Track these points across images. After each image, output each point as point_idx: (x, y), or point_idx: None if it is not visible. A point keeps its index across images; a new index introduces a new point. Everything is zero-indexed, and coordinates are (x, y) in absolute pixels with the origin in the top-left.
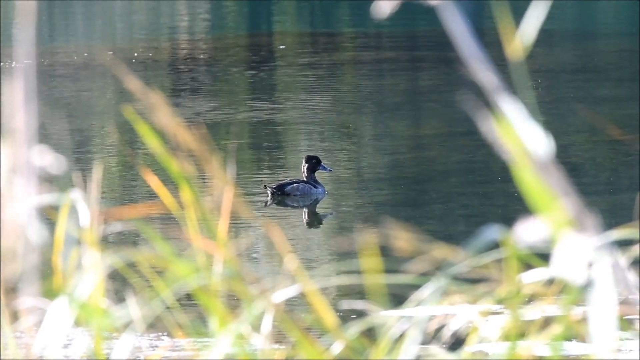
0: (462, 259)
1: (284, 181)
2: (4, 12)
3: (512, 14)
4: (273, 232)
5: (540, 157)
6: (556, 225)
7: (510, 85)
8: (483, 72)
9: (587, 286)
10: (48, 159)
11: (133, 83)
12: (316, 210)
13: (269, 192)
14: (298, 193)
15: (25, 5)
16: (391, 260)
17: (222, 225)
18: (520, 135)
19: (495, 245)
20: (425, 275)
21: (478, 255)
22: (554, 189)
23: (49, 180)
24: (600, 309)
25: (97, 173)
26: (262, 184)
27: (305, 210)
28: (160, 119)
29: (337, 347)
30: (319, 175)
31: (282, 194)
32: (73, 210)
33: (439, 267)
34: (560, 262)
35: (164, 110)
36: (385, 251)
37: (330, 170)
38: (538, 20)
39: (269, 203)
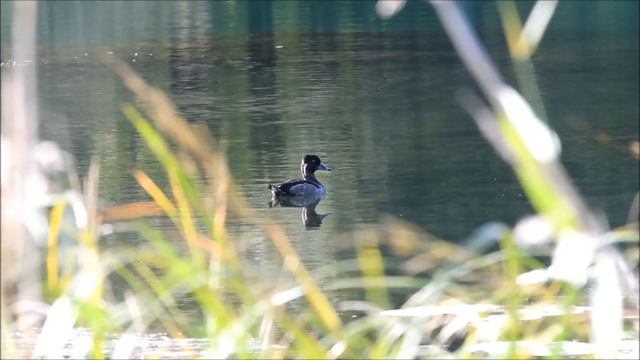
0: (463, 259)
1: (288, 181)
2: (3, 12)
3: (517, 13)
4: (274, 232)
5: (543, 156)
6: (559, 224)
7: (513, 84)
8: (484, 71)
9: (587, 287)
10: (53, 156)
11: (134, 82)
12: (316, 210)
13: (273, 192)
14: (302, 193)
15: (24, 5)
16: (391, 259)
17: (218, 223)
18: (523, 133)
19: (495, 245)
20: (426, 275)
21: (478, 255)
22: (557, 188)
23: (51, 179)
24: (603, 310)
25: (94, 173)
26: (261, 183)
27: (305, 210)
28: (162, 118)
29: (337, 347)
30: (318, 175)
31: (286, 194)
32: (72, 211)
33: (439, 266)
34: (561, 262)
35: (166, 109)
36: (385, 250)
37: (329, 170)
38: (544, 19)
39: (274, 203)
